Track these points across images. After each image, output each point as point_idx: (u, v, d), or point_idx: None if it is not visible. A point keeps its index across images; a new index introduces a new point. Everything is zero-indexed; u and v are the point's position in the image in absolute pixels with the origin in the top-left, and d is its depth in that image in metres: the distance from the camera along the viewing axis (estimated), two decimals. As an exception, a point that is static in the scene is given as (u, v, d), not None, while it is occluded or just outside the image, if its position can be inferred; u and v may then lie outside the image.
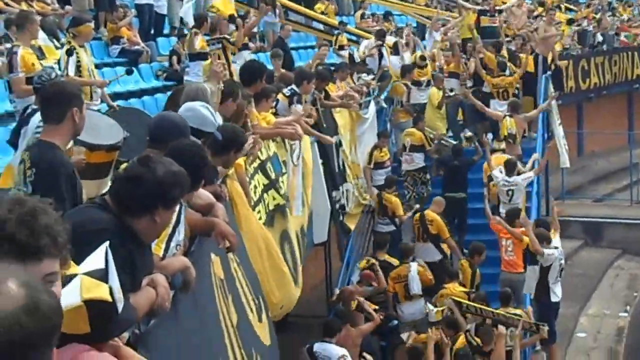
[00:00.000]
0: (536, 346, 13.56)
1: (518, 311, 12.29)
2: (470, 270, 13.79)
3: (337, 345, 10.76)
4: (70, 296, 2.79)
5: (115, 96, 12.62)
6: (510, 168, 15.44)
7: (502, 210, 15.05)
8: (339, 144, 12.98)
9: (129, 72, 12.09)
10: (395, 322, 13.38)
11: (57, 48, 10.88)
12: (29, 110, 7.53)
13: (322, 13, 23.27)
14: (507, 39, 21.23)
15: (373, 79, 17.17)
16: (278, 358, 7.20)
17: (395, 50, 19.25)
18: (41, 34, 10.07)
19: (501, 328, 11.65)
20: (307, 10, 22.74)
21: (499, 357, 11.46)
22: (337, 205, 12.97)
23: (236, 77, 10.16)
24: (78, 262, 3.09)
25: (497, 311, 12.16)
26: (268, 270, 7.81)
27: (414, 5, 26.60)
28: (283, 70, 13.61)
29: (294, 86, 11.27)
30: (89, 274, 3.00)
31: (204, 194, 5.28)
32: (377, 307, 12.67)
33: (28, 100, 8.13)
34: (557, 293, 13.23)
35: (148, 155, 3.95)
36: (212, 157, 5.54)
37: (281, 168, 9.43)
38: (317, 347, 10.79)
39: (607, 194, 23.91)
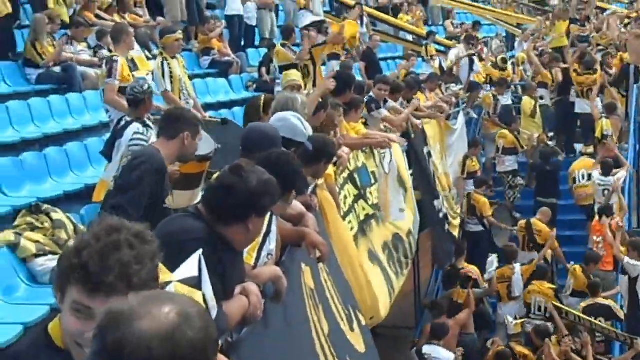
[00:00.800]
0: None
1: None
2: (583, 277, 13.68)
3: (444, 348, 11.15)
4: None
5: (207, 107, 12.74)
6: (606, 169, 15.61)
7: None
8: (429, 155, 12.88)
9: (224, 122, 12.23)
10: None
11: (148, 59, 11.03)
12: (122, 123, 7.57)
13: (409, 23, 23.22)
14: (599, 47, 20.88)
15: (461, 89, 17.06)
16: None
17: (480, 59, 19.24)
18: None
19: (585, 335, 11.72)
20: (396, 21, 22.70)
21: None
22: (441, 215, 12.89)
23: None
24: (172, 270, 3.13)
25: (595, 321, 12.14)
26: (355, 280, 7.78)
27: (505, 12, 26.37)
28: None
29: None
30: (183, 281, 3.04)
31: (294, 204, 5.29)
32: None
33: (122, 112, 8.18)
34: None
35: (240, 165, 3.97)
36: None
37: (370, 179, 9.39)
38: (427, 349, 11.01)
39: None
